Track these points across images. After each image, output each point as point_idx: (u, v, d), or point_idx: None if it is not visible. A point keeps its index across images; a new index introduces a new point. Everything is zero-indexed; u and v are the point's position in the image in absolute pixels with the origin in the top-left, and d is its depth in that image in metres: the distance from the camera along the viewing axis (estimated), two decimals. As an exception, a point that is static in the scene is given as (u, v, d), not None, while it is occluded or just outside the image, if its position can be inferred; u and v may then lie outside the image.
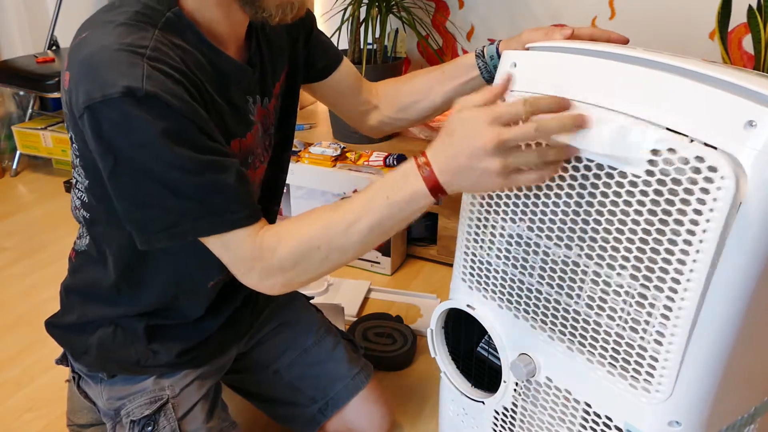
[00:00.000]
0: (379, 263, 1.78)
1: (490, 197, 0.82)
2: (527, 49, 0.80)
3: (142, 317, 0.92)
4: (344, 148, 1.84)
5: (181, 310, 0.94)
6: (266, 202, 1.01)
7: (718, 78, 0.60)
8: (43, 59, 2.31)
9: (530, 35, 0.89)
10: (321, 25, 1.08)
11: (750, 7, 1.44)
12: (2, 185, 2.38)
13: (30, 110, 2.52)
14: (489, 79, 1.00)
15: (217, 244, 0.77)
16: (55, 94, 2.21)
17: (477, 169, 0.66)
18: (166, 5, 0.77)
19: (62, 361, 1.01)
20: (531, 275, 0.79)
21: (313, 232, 0.76)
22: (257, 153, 0.91)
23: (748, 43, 1.68)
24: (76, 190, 0.87)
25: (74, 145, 0.81)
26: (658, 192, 0.62)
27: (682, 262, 0.61)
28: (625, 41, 0.85)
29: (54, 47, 2.51)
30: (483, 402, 0.91)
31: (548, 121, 0.63)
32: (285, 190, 1.85)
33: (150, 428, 0.92)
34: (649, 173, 0.62)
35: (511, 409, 0.87)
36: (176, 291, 0.91)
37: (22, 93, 2.53)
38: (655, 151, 0.61)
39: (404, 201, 0.71)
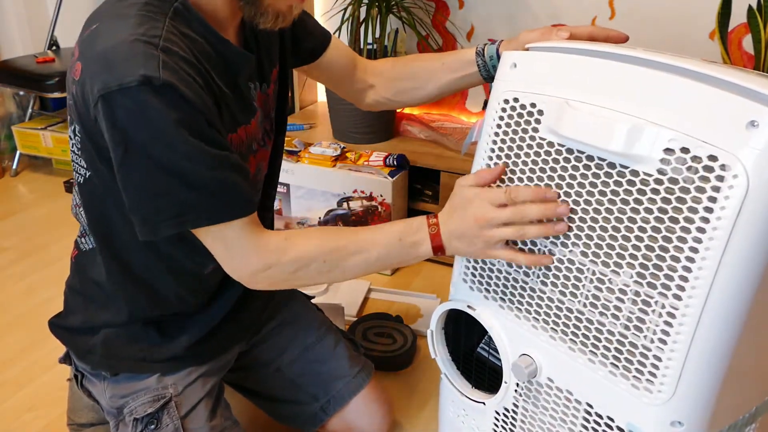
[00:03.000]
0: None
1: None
2: (527, 49, 0.80)
3: (147, 313, 0.92)
4: (344, 148, 1.83)
5: (184, 301, 0.94)
6: (267, 186, 1.03)
7: (719, 78, 0.60)
8: (43, 59, 2.31)
9: (527, 36, 0.89)
10: (321, 24, 1.08)
11: (750, 7, 1.44)
12: (2, 185, 2.38)
13: (30, 110, 2.52)
14: (486, 77, 1.00)
15: (215, 235, 0.80)
16: (56, 94, 2.21)
17: (468, 238, 0.79)
18: None
19: (65, 359, 1.01)
20: (532, 275, 0.79)
21: (324, 247, 0.83)
22: (258, 138, 0.94)
23: (748, 43, 1.68)
24: (76, 186, 0.88)
25: (77, 137, 0.81)
26: (669, 190, 0.62)
27: (691, 260, 0.61)
28: (624, 38, 0.85)
29: (54, 47, 2.51)
30: (484, 403, 0.91)
31: (528, 208, 0.74)
32: (285, 191, 1.85)
33: (153, 426, 0.92)
34: (661, 172, 0.63)
35: (512, 410, 0.87)
36: (175, 282, 0.92)
37: (22, 93, 2.53)
38: (668, 150, 0.61)
39: (411, 245, 0.83)
